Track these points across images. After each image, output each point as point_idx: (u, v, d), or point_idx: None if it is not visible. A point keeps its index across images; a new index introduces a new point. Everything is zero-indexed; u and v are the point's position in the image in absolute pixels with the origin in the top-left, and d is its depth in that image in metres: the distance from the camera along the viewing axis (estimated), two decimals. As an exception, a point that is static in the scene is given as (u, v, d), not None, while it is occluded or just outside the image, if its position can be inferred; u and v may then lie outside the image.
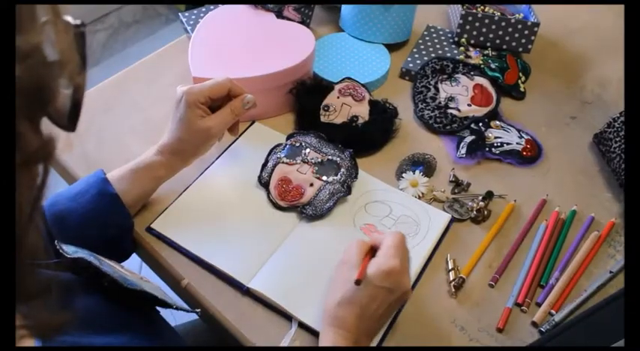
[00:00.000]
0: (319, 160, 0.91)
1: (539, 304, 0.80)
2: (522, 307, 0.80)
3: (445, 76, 1.07)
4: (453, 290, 0.81)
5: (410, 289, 0.72)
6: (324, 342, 0.69)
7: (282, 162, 0.91)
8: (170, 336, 0.68)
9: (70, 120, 0.39)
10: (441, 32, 1.18)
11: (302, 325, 0.76)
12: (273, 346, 0.75)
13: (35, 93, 0.35)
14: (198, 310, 0.73)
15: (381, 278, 0.69)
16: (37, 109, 0.36)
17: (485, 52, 1.13)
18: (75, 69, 0.38)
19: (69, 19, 0.38)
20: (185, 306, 0.70)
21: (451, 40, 1.16)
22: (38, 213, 0.38)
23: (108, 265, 0.63)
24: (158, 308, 0.70)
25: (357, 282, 0.68)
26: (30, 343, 0.44)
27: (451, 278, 0.82)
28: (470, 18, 1.11)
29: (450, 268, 0.83)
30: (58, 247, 0.63)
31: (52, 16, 0.36)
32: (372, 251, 0.74)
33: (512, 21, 1.10)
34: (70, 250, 0.63)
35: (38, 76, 0.35)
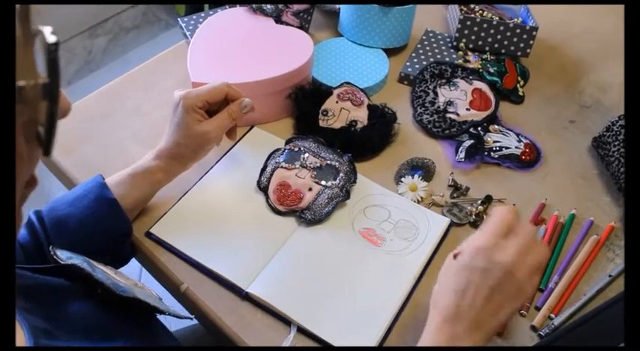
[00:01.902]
0: (318, 164, 0.91)
1: (538, 308, 0.80)
2: (521, 311, 0.80)
3: (444, 81, 1.07)
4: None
5: (519, 271, 0.63)
6: (427, 328, 0.64)
7: (281, 167, 0.91)
8: (167, 342, 0.67)
9: (45, 143, 0.36)
10: (439, 37, 1.18)
11: (301, 330, 0.76)
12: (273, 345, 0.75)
13: None
14: (192, 316, 0.73)
15: (470, 255, 0.63)
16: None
17: (484, 56, 1.13)
18: (36, 95, 0.35)
19: (45, 33, 0.34)
20: (179, 312, 0.70)
21: (450, 45, 1.16)
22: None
23: (101, 272, 0.63)
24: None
25: (455, 256, 0.65)
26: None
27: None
28: (468, 22, 1.11)
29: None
30: (52, 253, 0.63)
31: (22, 31, 0.33)
32: None
33: (511, 25, 1.10)
34: (64, 256, 0.63)
35: None
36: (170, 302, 0.75)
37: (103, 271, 0.64)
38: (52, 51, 0.33)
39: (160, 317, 0.70)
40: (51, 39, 0.33)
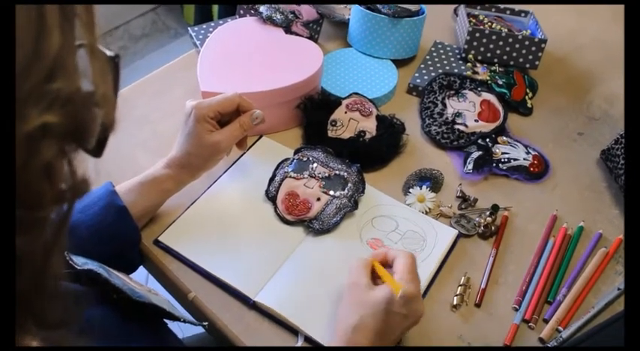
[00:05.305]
0: (326, 174, 0.92)
1: (546, 321, 0.80)
2: (530, 324, 0.80)
3: (452, 92, 1.07)
4: (461, 305, 0.81)
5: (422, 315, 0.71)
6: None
7: (290, 176, 0.92)
8: (177, 348, 0.68)
9: (97, 147, 0.40)
10: (448, 48, 1.18)
11: (308, 339, 0.76)
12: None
13: (74, 134, 0.35)
14: (206, 323, 0.73)
15: (399, 304, 0.68)
16: (74, 148, 0.37)
17: (493, 68, 1.13)
18: (107, 101, 0.39)
19: (104, 49, 0.38)
20: (192, 319, 0.70)
21: (458, 56, 1.16)
22: (63, 237, 0.38)
23: (117, 278, 0.64)
24: (166, 321, 0.70)
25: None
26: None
27: (458, 293, 0.81)
28: (477, 34, 1.11)
29: (460, 283, 0.83)
30: (67, 258, 0.64)
31: (89, 42, 0.36)
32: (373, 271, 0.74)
33: (520, 37, 1.11)
34: (80, 262, 0.63)
35: (78, 118, 0.35)
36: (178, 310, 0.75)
37: (119, 277, 0.64)
38: (116, 61, 0.40)
39: (170, 325, 0.70)
40: (110, 52, 0.39)
